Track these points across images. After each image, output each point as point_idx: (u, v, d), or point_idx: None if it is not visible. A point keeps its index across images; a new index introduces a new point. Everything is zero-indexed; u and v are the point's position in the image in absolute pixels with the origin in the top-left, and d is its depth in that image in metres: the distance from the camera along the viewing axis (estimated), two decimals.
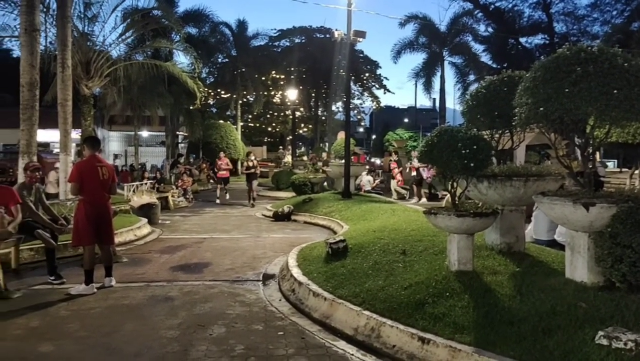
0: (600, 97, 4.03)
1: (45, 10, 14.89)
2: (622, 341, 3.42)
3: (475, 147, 4.90)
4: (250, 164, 17.11)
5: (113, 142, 41.38)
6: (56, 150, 21.90)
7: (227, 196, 18.29)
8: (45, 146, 27.62)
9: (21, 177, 8.06)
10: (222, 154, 19.27)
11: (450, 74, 38.96)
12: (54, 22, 14.26)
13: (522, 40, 37.42)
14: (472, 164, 4.92)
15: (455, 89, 75.74)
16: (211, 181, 25.61)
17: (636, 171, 14.90)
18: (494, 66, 34.86)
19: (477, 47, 36.57)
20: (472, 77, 34.95)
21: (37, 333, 4.80)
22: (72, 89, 12.98)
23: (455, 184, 5.27)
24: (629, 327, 3.62)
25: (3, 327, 4.93)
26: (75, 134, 15.92)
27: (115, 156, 35.93)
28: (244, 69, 33.91)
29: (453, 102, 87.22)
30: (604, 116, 4.15)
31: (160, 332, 4.78)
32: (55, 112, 12.56)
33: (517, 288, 4.65)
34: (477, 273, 5.07)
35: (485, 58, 37.01)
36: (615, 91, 4.02)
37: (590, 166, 4.70)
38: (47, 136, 23.13)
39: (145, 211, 12.37)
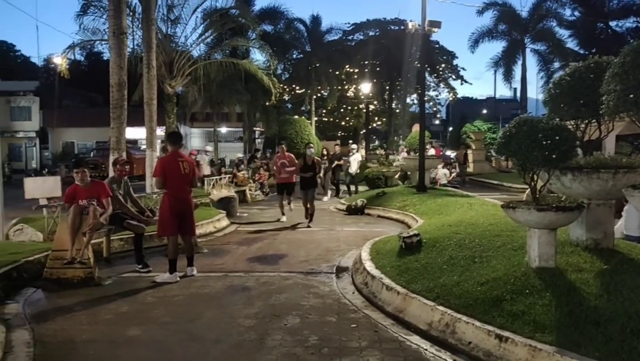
0: None
1: (131, 14, 15.83)
2: None
3: (557, 137, 4.64)
4: (309, 161, 11.68)
5: (194, 139, 43.29)
6: (143, 146, 23.28)
7: (292, 207, 12.23)
8: (134, 142, 29.39)
9: (111, 172, 8.60)
10: (282, 147, 12.40)
11: (532, 62, 37.18)
12: (140, 25, 15.11)
13: (612, 24, 34.89)
14: (554, 156, 4.67)
15: (538, 78, 72.23)
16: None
17: None
18: (581, 52, 32.73)
19: (562, 33, 34.47)
20: (556, 65, 33.06)
21: (126, 317, 5.14)
22: (156, 89, 13.71)
23: (535, 177, 5.04)
24: None
25: (96, 312, 5.32)
26: (160, 131, 16.82)
27: (197, 152, 37.52)
28: (318, 64, 34.15)
29: (536, 92, 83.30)
30: None
31: (238, 320, 4.97)
32: (142, 111, 13.32)
33: (604, 286, 4.39)
34: (560, 270, 4.82)
35: (571, 44, 34.82)
36: None
37: None
38: (135, 133, 24.52)
39: (224, 204, 12.84)
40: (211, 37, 21.94)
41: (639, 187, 4.46)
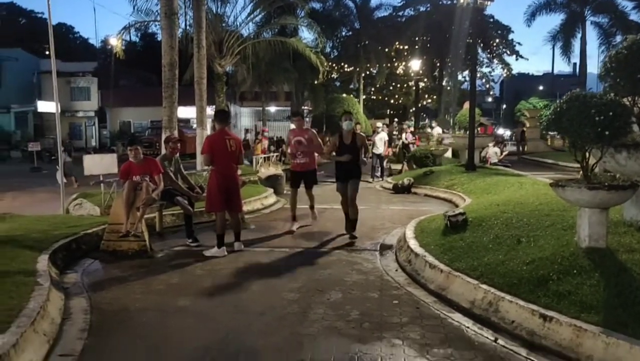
0: None
1: None
2: None
3: (611, 113, 4.44)
4: (348, 140, 7.65)
5: (244, 118, 43.85)
6: (195, 125, 23.85)
7: (316, 215, 8.80)
8: (186, 121, 30.09)
9: (164, 150, 8.87)
10: (297, 119, 8.93)
11: (592, 35, 35.29)
12: (191, 6, 15.37)
13: None
14: (607, 132, 4.48)
15: (599, 52, 68.46)
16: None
17: None
18: None
19: (625, 4, 32.45)
20: (618, 38, 31.28)
21: (176, 288, 5.37)
22: (206, 68, 13.96)
23: (587, 154, 4.85)
24: None
25: (148, 282, 5.59)
26: (210, 110, 17.12)
27: (246, 131, 38.09)
28: (367, 42, 33.69)
29: (597, 67, 78.99)
30: None
31: (282, 294, 5.09)
32: (193, 90, 13.62)
33: None
34: (611, 251, 4.67)
35: (634, 16, 32.77)
36: None
37: None
38: (187, 112, 25.13)
39: (272, 181, 13.06)
40: (260, 16, 22.07)
41: None
